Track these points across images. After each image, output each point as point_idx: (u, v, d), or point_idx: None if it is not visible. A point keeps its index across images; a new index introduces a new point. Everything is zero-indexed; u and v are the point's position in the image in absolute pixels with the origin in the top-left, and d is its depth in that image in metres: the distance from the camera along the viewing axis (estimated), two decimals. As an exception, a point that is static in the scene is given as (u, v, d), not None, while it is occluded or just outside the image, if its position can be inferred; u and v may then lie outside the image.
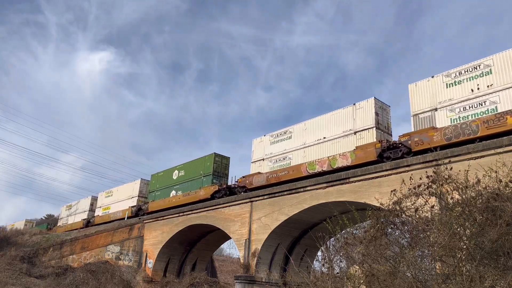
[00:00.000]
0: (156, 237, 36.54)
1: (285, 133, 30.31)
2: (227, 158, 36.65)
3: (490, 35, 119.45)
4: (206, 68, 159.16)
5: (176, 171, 39.60)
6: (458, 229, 10.39)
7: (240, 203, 29.69)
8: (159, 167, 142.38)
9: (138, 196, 44.43)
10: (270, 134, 31.46)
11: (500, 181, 11.41)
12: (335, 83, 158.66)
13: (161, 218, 36.67)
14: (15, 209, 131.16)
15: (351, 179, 23.11)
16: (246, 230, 28.50)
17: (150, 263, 36.10)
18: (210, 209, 32.13)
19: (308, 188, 25.27)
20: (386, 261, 11.49)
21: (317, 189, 24.80)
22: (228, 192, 32.99)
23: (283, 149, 29.78)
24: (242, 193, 30.85)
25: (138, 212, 42.64)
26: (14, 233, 50.35)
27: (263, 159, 31.20)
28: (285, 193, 26.61)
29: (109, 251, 39.55)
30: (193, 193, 36.13)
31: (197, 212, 33.39)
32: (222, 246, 51.56)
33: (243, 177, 31.82)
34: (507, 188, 11.10)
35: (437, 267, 10.65)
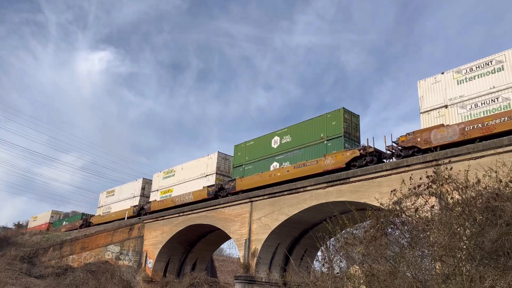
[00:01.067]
0: (156, 237, 36.55)
1: (489, 63, 20.96)
2: (357, 117, 27.49)
3: (491, 34, 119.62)
4: (206, 68, 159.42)
5: (277, 138, 30.39)
6: (458, 229, 10.40)
7: (240, 203, 29.70)
8: (159, 166, 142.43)
9: (216, 173, 35.07)
10: (456, 70, 22.12)
11: (500, 181, 11.42)
12: (335, 83, 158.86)
13: (161, 218, 36.67)
14: (15, 209, 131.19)
15: (351, 179, 23.12)
16: (246, 230, 28.51)
17: (150, 263, 36.10)
18: (210, 209, 32.13)
19: (308, 188, 25.28)
20: (386, 261, 11.49)
21: (317, 189, 24.81)
22: (376, 159, 23.91)
23: (491, 86, 20.62)
24: (408, 158, 21.78)
25: (218, 192, 33.44)
26: (14, 233, 50.40)
27: (445, 106, 21.93)
28: (285, 193, 26.62)
29: (109, 251, 39.55)
30: (313, 162, 26.68)
31: (197, 212, 33.39)
32: (222, 246, 51.54)
33: (409, 134, 22.49)
34: (507, 188, 11.11)
35: (437, 267, 10.65)
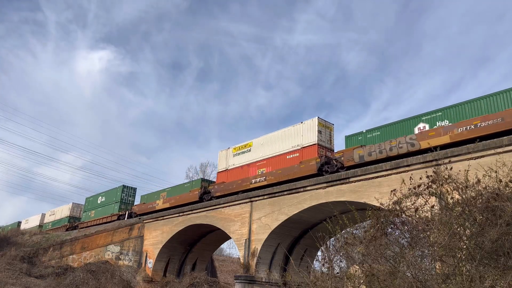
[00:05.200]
0: (156, 237, 36.56)
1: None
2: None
3: (491, 33, 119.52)
4: (206, 67, 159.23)
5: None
6: (458, 229, 10.39)
7: (240, 203, 29.71)
8: (160, 166, 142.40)
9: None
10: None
11: (500, 181, 11.41)
12: (336, 82, 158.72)
13: (161, 218, 36.69)
14: (15, 209, 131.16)
15: (351, 179, 23.13)
16: (246, 230, 28.52)
17: (150, 263, 36.12)
18: (210, 209, 32.14)
19: (308, 188, 25.29)
20: (386, 261, 11.49)
21: (317, 189, 24.82)
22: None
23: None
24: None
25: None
26: (14, 233, 50.42)
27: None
28: (285, 193, 26.64)
29: (109, 251, 39.56)
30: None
31: (197, 212, 33.40)
32: (222, 246, 51.66)
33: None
34: (507, 188, 11.10)
35: (437, 267, 10.65)
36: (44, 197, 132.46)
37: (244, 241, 28.36)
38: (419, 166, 20.14)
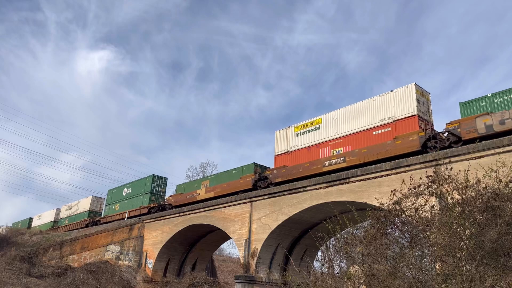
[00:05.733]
0: (156, 237, 36.58)
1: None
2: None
3: (492, 33, 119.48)
4: (206, 67, 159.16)
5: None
6: (458, 229, 10.40)
7: (240, 203, 29.72)
8: (160, 166, 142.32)
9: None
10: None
11: (500, 181, 11.43)
12: (336, 82, 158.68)
13: (161, 218, 36.70)
14: (15, 209, 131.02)
15: (351, 179, 23.13)
16: (246, 230, 28.52)
17: (150, 263, 36.13)
18: (210, 209, 32.15)
19: (308, 188, 25.29)
20: (386, 261, 11.50)
21: (317, 189, 24.82)
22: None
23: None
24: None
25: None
26: (14, 233, 50.40)
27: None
28: (285, 193, 26.63)
29: (109, 251, 39.56)
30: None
31: (197, 212, 33.41)
32: (222, 246, 51.57)
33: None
34: (507, 188, 11.11)
35: (437, 267, 10.66)
36: (44, 197, 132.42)
37: (244, 241, 28.36)
38: (419, 166, 20.14)
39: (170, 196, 40.39)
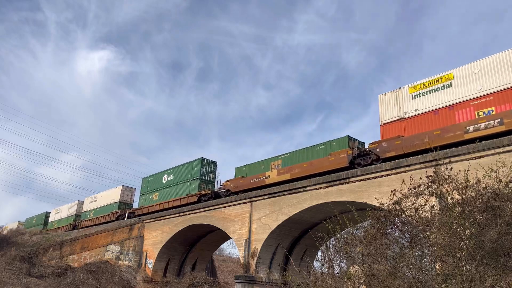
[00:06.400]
0: (156, 237, 36.58)
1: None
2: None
3: (492, 33, 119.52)
4: (206, 67, 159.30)
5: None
6: (458, 229, 10.40)
7: (240, 203, 29.71)
8: (160, 166, 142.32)
9: None
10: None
11: (500, 181, 11.42)
12: (336, 82, 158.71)
13: (161, 218, 36.70)
14: (15, 209, 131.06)
15: (351, 179, 23.12)
16: (246, 230, 28.52)
17: (150, 263, 36.13)
18: (210, 209, 32.14)
19: (308, 188, 25.29)
20: (386, 261, 11.50)
21: (317, 189, 24.82)
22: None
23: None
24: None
25: None
26: (14, 233, 50.38)
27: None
28: (285, 193, 26.63)
29: (109, 251, 39.55)
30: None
31: (197, 212, 33.41)
32: (222, 246, 51.45)
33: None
34: (507, 188, 11.11)
35: (437, 267, 10.65)
36: (44, 197, 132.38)
37: (244, 241, 28.35)
38: (419, 166, 20.11)
39: (228, 180, 33.85)
